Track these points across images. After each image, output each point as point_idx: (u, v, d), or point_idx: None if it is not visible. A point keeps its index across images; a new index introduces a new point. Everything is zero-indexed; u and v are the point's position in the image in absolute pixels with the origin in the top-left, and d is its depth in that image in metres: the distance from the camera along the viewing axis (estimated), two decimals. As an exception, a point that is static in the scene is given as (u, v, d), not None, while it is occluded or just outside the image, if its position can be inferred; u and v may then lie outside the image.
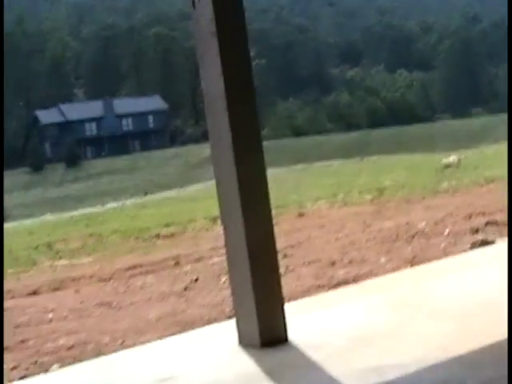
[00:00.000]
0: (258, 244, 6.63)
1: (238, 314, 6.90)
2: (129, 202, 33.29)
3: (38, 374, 7.25)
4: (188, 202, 26.59)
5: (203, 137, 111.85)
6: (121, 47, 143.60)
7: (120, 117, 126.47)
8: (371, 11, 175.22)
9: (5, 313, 10.79)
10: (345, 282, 9.58)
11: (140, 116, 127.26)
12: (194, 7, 6.56)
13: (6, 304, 11.59)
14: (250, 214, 6.56)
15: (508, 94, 8.38)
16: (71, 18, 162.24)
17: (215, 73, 6.49)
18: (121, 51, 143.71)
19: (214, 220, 19.21)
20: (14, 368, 7.60)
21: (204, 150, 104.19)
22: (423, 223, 13.64)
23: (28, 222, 29.44)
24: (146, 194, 45.87)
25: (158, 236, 18.44)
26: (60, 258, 17.17)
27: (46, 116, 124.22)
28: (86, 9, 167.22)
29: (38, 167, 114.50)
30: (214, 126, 6.70)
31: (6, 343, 8.79)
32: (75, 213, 30.86)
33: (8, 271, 15.92)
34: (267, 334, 6.67)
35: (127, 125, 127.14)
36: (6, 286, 13.79)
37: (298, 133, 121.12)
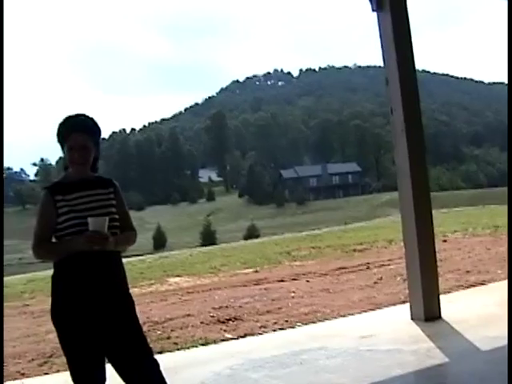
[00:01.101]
0: (425, 257, 6.70)
1: (411, 299, 6.95)
2: (336, 228, 32.96)
3: (289, 328, 7.50)
4: (373, 230, 26.05)
5: (383, 188, 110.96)
6: (332, 132, 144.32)
7: (331, 175, 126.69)
8: (491, 112, 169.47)
9: (265, 291, 11.06)
10: (475, 284, 9.41)
11: (343, 175, 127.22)
12: (392, 113, 6.68)
13: (266, 285, 11.83)
14: (421, 239, 6.64)
15: (508, 94, 7.20)
16: (304, 115, 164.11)
17: (403, 154, 6.59)
18: (332, 135, 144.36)
19: (390, 242, 18.88)
20: (274, 323, 7.81)
21: (383, 197, 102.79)
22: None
23: (274, 238, 29.68)
24: (346, 223, 45.44)
25: (354, 250, 18.21)
26: (295, 260, 17.24)
27: (286, 173, 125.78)
28: (312, 109, 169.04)
29: (280, 204, 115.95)
30: (401, 184, 6.79)
31: (267, 308, 9.07)
32: (303, 233, 30.77)
33: (264, 267, 16.13)
34: (429, 312, 6.72)
35: (335, 180, 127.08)
36: (263, 275, 14.01)
37: (443, 189, 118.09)
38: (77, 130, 3.66)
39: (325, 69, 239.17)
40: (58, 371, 6.46)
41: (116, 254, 3.68)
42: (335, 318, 7.84)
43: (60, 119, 3.76)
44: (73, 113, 3.81)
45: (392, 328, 6.73)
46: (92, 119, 3.76)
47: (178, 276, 15.95)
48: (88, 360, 3.57)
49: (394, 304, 8.25)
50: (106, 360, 3.65)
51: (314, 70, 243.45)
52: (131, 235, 3.84)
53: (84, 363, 3.57)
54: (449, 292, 8.73)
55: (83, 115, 3.77)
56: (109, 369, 3.64)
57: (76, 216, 3.56)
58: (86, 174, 3.75)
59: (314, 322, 7.67)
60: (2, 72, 4.13)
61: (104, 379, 3.64)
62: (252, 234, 71.43)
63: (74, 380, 3.61)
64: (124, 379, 3.63)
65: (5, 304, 13.69)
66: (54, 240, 3.63)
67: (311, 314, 8.20)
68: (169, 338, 7.60)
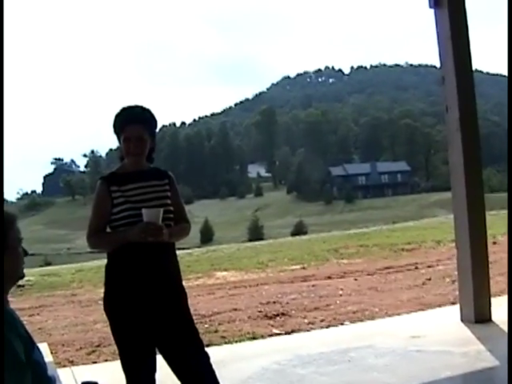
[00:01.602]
0: (477, 260, 6.59)
1: (461, 301, 6.84)
2: (384, 227, 32.70)
3: (337, 325, 7.46)
4: (421, 230, 25.75)
5: (431, 188, 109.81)
6: (382, 131, 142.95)
7: (380, 173, 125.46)
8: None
9: (313, 287, 11.02)
10: (528, 288, 9.23)
11: (392, 174, 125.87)
12: (447, 111, 6.58)
13: (313, 282, 11.79)
14: (474, 239, 6.53)
15: (508, 94, 6.79)
16: (354, 112, 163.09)
17: (458, 153, 6.48)
18: (382, 133, 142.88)
19: (438, 242, 18.68)
20: (322, 320, 7.79)
21: (432, 197, 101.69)
22: None
23: (322, 235, 29.57)
24: (394, 222, 45.09)
25: (402, 249, 18.08)
26: (342, 258, 17.18)
27: (335, 171, 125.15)
28: (362, 107, 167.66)
29: (328, 202, 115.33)
30: (455, 183, 6.69)
31: (315, 305, 9.02)
32: (350, 231, 30.59)
33: (311, 264, 16.10)
34: (479, 314, 6.61)
35: (384, 179, 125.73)
36: (310, 272, 13.96)
37: (493, 190, 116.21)
38: (133, 122, 3.67)
39: (376, 66, 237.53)
40: (106, 360, 6.54)
41: (170, 246, 3.69)
42: (383, 317, 7.78)
43: (114, 111, 3.78)
44: (127, 105, 3.82)
45: (441, 329, 6.64)
46: (149, 110, 3.77)
47: (226, 270, 16.01)
48: (139, 350, 3.59)
49: (443, 305, 8.15)
50: (157, 351, 3.67)
51: (365, 67, 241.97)
52: (185, 227, 3.85)
53: (135, 353, 3.59)
54: (499, 295, 8.57)
55: (140, 107, 3.77)
56: (159, 359, 3.66)
57: (131, 207, 3.59)
58: (142, 165, 3.77)
59: (361, 321, 7.63)
60: (2, 72, 4.13)
61: (154, 369, 3.66)
62: (299, 230, 71.37)
63: (124, 369, 3.63)
64: (174, 370, 3.65)
65: (53, 293, 13.94)
66: (108, 230, 3.67)
67: (359, 313, 8.16)
68: (216, 331, 7.63)
